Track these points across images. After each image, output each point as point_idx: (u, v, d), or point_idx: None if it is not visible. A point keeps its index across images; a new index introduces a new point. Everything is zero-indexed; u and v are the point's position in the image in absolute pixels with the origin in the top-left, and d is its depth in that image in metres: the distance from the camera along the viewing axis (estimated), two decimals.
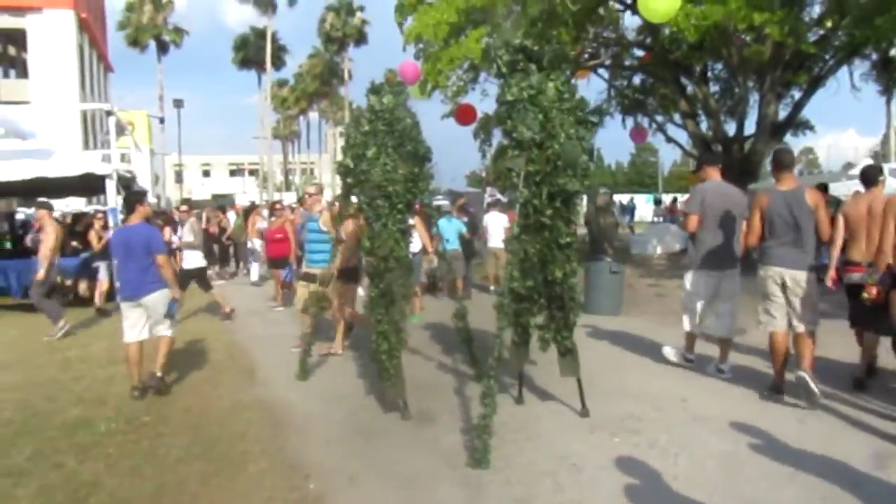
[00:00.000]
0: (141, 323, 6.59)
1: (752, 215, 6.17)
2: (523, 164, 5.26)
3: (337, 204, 7.63)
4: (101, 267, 12.00)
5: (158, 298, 6.53)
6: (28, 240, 13.53)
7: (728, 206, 6.59)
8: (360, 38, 57.70)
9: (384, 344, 5.66)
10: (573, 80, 17.81)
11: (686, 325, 6.98)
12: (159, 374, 6.59)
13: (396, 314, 5.75)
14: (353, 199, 6.30)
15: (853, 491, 4.08)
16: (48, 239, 9.77)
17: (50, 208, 10.62)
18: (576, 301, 5.58)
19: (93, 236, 12.36)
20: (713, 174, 6.85)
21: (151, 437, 5.33)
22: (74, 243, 13.69)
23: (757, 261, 6.16)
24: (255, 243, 15.85)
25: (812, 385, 5.55)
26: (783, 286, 5.87)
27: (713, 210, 6.59)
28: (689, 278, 6.89)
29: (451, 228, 11.79)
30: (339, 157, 6.35)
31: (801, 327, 5.88)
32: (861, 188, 6.56)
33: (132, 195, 7.65)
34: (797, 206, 5.76)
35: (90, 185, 13.68)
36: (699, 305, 6.77)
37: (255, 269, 16.06)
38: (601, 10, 15.36)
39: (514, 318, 5.70)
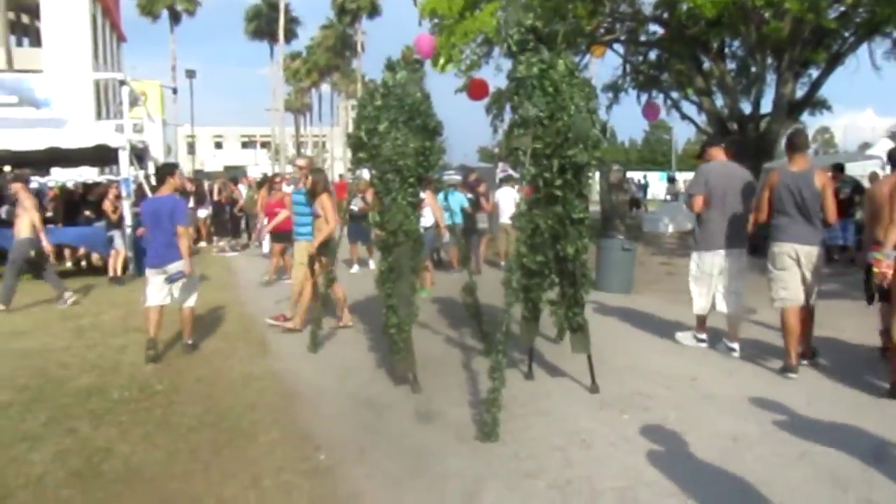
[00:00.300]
0: (165, 289, 6.86)
1: (761, 193, 6.30)
2: (529, 142, 5.29)
3: (310, 178, 7.70)
4: (116, 236, 12.07)
5: (181, 267, 6.86)
6: (3, 212, 13.30)
7: (733, 186, 6.62)
8: (374, 10, 57.28)
9: (394, 318, 5.68)
10: (589, 57, 17.74)
11: (697, 306, 6.97)
12: (189, 341, 7.07)
13: (406, 288, 5.77)
14: (365, 172, 6.32)
15: (864, 471, 4.08)
16: (32, 214, 9.60)
17: (25, 180, 10.45)
18: (587, 277, 5.61)
19: (107, 206, 12.41)
20: (717, 154, 6.87)
21: (164, 406, 5.39)
22: (87, 212, 13.74)
23: (768, 239, 6.20)
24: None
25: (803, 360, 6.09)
26: (797, 261, 5.98)
27: (718, 190, 6.61)
28: (695, 258, 6.93)
29: (454, 203, 11.77)
30: (351, 130, 6.35)
31: (808, 298, 6.10)
32: (879, 170, 6.56)
33: (164, 167, 7.91)
34: (806, 187, 5.90)
35: (103, 156, 13.74)
36: (707, 285, 6.80)
37: (267, 242, 16.06)
38: None
39: (524, 293, 5.74)
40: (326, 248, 7.48)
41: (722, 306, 6.78)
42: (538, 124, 5.27)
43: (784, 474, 4.05)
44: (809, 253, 5.96)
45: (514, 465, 4.25)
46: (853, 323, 7.86)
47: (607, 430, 4.79)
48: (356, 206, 11.76)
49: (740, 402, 5.30)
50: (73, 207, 15.05)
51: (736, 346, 6.73)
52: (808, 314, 6.13)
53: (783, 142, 6.57)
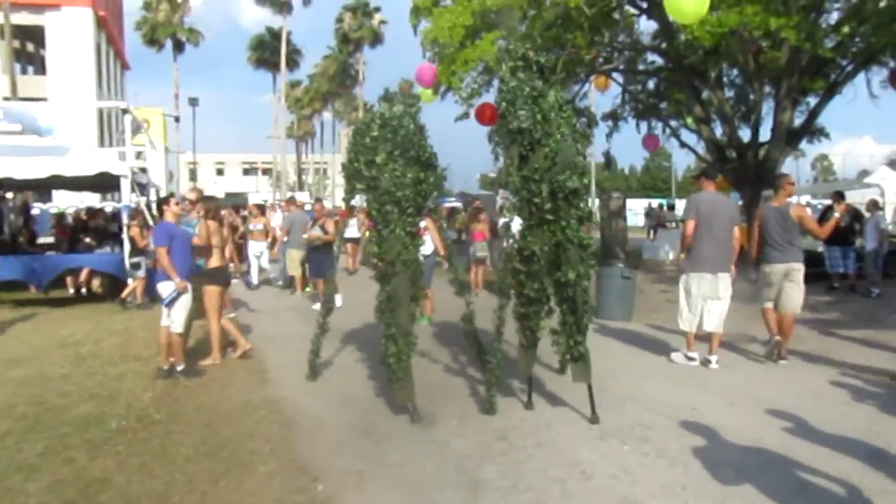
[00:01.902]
0: (165, 311, 7.15)
1: (755, 226, 7.76)
2: (515, 153, 5.60)
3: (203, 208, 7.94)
4: (143, 262, 11.91)
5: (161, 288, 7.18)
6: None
7: (719, 215, 7.32)
8: (376, 40, 57.82)
9: (392, 347, 5.67)
10: (589, 86, 17.87)
11: (684, 325, 7.48)
12: (178, 367, 7.14)
13: (405, 317, 5.77)
14: (357, 200, 6.43)
15: (867, 501, 4.05)
16: None
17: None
18: (588, 304, 5.62)
19: (135, 233, 12.21)
20: (708, 186, 7.64)
21: (162, 435, 5.36)
22: (88, 239, 13.75)
23: (761, 261, 7.67)
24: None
25: (782, 348, 7.51)
26: (784, 275, 7.48)
27: (705, 218, 7.27)
28: (683, 280, 7.49)
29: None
30: (346, 159, 6.45)
31: (788, 306, 7.52)
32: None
33: (162, 199, 8.14)
34: (786, 217, 7.49)
35: (105, 182, 13.79)
36: (694, 305, 7.38)
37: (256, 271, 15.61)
38: (616, 15, 15.30)
39: (521, 320, 5.84)
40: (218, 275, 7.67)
41: (706, 325, 7.39)
42: (526, 136, 5.51)
43: None
44: (793, 267, 7.46)
45: (514, 497, 4.21)
46: (853, 352, 7.87)
47: (607, 461, 4.76)
48: (318, 236, 11.64)
49: (741, 432, 5.26)
50: (75, 234, 15.08)
51: (714, 358, 7.34)
52: (789, 318, 7.56)
53: (782, 168, 7.38)
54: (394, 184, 5.79)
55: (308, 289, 13.26)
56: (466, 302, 6.99)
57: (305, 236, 12.14)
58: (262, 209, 16.54)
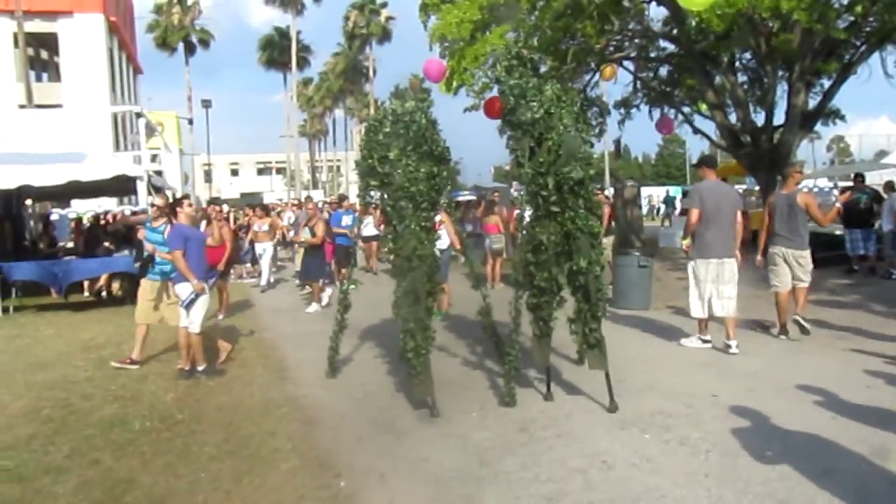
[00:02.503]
0: (184, 312, 7.21)
1: (765, 212, 8.25)
2: (526, 146, 5.70)
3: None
4: None
5: (179, 290, 7.24)
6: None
7: (722, 202, 7.47)
8: (385, 36, 57.83)
9: (410, 342, 5.71)
10: (599, 76, 17.77)
11: (695, 310, 7.63)
12: (199, 367, 7.23)
13: (422, 312, 5.80)
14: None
15: (891, 488, 4.03)
16: None
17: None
18: (602, 292, 5.69)
19: (142, 236, 12.38)
20: (709, 174, 7.75)
21: (185, 435, 5.42)
22: (107, 244, 13.89)
23: (769, 246, 8.16)
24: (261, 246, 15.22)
25: (804, 323, 7.82)
26: (785, 259, 7.96)
27: (708, 205, 7.42)
28: (691, 267, 7.64)
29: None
30: (359, 156, 6.47)
31: (799, 284, 7.98)
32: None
33: (175, 202, 8.06)
34: (792, 204, 7.91)
35: (122, 186, 13.92)
36: (704, 291, 7.51)
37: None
38: (626, 2, 15.19)
39: (533, 311, 5.92)
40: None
41: (717, 310, 7.49)
42: (533, 128, 5.64)
43: (807, 493, 4.00)
44: (793, 254, 7.93)
45: (535, 488, 4.23)
46: (874, 335, 7.79)
47: (628, 451, 4.76)
48: (305, 238, 11.53)
49: (763, 419, 5.25)
50: (94, 238, 15.21)
51: (733, 343, 7.37)
52: (801, 291, 7.98)
53: (797, 152, 7.45)
54: (407, 179, 5.81)
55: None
56: (483, 295, 7.01)
57: (293, 235, 12.13)
58: (266, 210, 16.37)
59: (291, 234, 11.78)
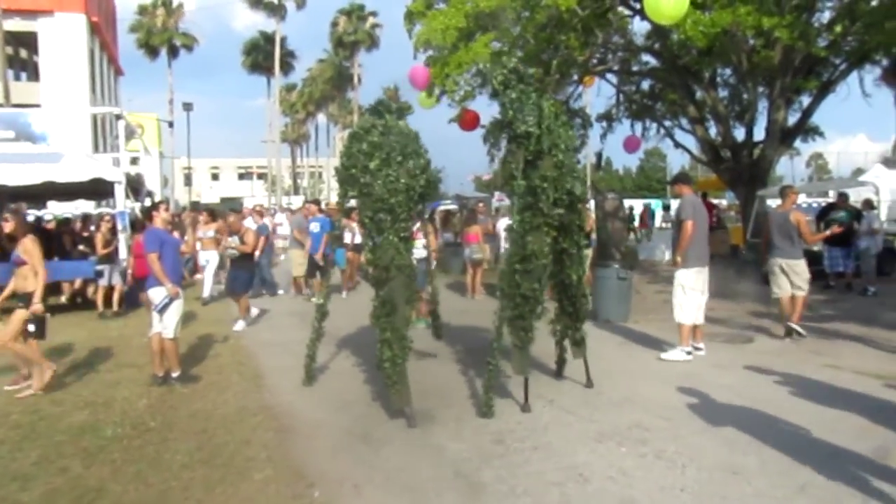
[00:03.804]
0: (157, 317, 7.07)
1: (764, 228, 9.28)
2: (521, 158, 5.87)
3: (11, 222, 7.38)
4: (106, 271, 11.96)
5: (152, 294, 7.10)
6: None
7: (703, 215, 7.97)
8: (372, 43, 57.83)
9: (388, 352, 5.66)
10: (583, 88, 17.88)
11: (686, 318, 7.77)
12: (173, 374, 7.14)
13: (400, 321, 5.77)
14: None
15: (865, 502, 4.04)
16: None
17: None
18: (586, 297, 6.51)
19: (99, 239, 12.32)
20: (686, 190, 8.18)
21: (157, 443, 5.33)
22: (81, 247, 13.67)
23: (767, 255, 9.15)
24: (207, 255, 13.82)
25: (799, 329, 8.71)
26: (782, 269, 8.89)
27: (699, 217, 7.83)
28: (683, 276, 7.80)
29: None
30: (339, 164, 6.45)
31: (798, 292, 8.84)
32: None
33: (150, 206, 8.08)
34: (785, 220, 8.92)
35: (100, 189, 13.74)
36: (695, 299, 7.78)
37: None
38: (610, 16, 15.30)
39: (515, 321, 5.95)
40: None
41: (699, 317, 7.89)
42: (531, 143, 5.78)
43: None
44: (789, 263, 8.85)
45: (511, 501, 4.20)
46: (851, 351, 7.86)
47: (605, 464, 4.74)
48: (233, 246, 10.68)
49: (739, 434, 5.25)
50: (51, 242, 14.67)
51: (702, 345, 7.97)
52: (798, 299, 8.83)
53: (776, 167, 7.74)
54: (387, 190, 5.78)
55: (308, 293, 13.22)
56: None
57: (223, 243, 11.46)
58: (213, 214, 14.79)
59: (231, 241, 10.71)
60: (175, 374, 7.07)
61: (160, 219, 7.24)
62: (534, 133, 5.71)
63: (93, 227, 14.33)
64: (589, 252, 11.90)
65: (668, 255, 20.48)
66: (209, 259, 13.68)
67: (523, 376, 6.05)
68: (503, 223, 13.24)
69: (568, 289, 6.28)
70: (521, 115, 5.75)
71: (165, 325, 7.00)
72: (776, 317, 9.48)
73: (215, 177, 78.07)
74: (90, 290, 12.75)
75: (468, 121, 14.53)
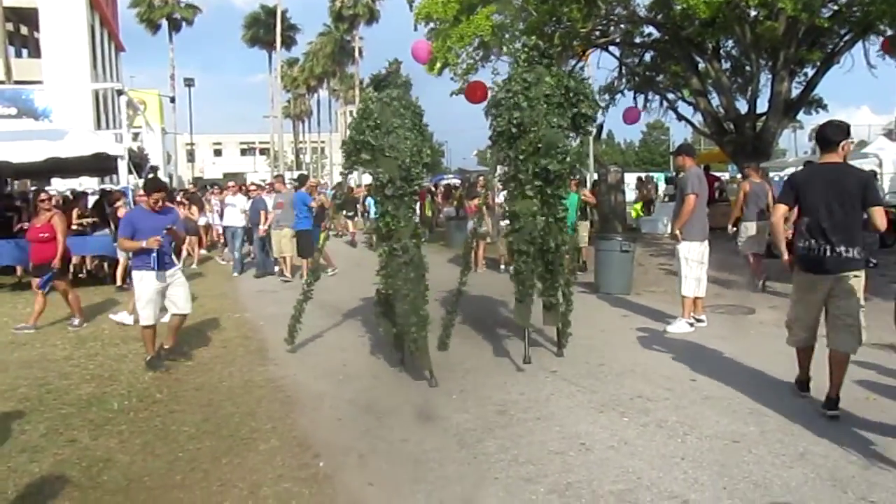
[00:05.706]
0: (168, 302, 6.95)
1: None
2: (495, 162, 6.59)
3: None
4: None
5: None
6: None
7: (705, 187, 7.89)
8: (372, 17, 57.27)
9: (413, 316, 5.92)
10: (587, 63, 17.76)
11: (690, 290, 7.78)
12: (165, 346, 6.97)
13: (421, 285, 6.09)
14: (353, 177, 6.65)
15: (864, 470, 4.08)
16: None
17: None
18: (563, 265, 6.68)
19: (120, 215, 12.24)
20: (689, 162, 7.99)
21: (163, 415, 5.39)
22: (85, 222, 13.66)
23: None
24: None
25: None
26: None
27: (702, 190, 7.80)
28: (688, 248, 7.76)
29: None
30: (350, 133, 6.51)
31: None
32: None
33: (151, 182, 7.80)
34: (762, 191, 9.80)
35: (102, 165, 13.73)
36: (698, 271, 7.77)
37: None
38: None
39: (514, 275, 6.52)
40: None
41: (702, 290, 7.88)
42: (509, 138, 6.26)
43: (783, 476, 4.05)
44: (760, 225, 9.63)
45: (514, 469, 4.25)
46: None
47: (607, 433, 4.79)
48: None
49: (740, 404, 5.30)
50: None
51: (704, 317, 7.96)
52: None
53: (780, 140, 7.73)
54: (398, 150, 6.04)
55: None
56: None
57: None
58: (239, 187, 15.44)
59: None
60: (167, 347, 6.91)
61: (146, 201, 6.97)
62: (515, 133, 6.17)
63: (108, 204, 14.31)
64: (586, 224, 11.96)
65: (669, 228, 20.56)
66: (235, 232, 14.15)
67: (524, 327, 6.50)
68: (502, 197, 13.21)
69: (545, 254, 6.44)
70: (503, 117, 6.23)
71: (179, 305, 6.87)
72: (777, 293, 9.50)
73: (218, 153, 77.92)
74: (95, 264, 12.83)
75: (475, 92, 14.44)
